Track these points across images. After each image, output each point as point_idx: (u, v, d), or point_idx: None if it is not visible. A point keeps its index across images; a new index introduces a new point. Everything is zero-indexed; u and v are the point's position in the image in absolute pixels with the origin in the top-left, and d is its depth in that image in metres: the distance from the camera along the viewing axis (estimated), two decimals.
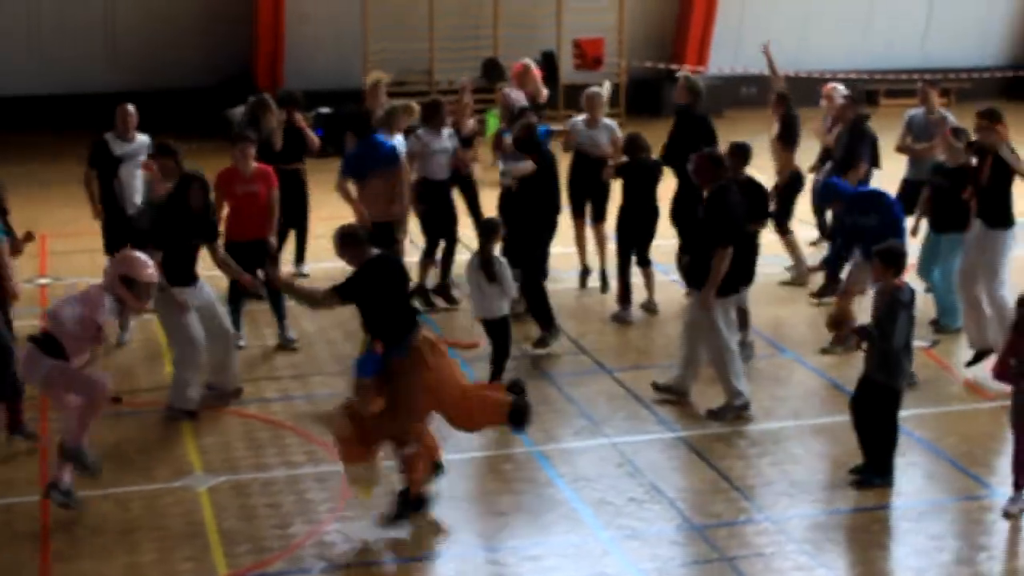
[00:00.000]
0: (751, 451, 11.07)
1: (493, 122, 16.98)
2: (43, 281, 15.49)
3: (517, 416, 9.85)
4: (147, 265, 9.96)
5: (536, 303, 13.33)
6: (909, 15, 29.02)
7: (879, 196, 13.05)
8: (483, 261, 12.01)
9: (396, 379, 9.56)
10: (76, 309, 9.75)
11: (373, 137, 13.66)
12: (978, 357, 12.51)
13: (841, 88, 16.41)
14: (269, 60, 25.23)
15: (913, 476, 10.61)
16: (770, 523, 9.77)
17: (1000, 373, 9.91)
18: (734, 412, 11.65)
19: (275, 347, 13.47)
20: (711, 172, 11.63)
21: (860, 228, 12.64)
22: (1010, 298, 11.73)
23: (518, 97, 15.30)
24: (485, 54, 25.07)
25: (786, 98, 15.60)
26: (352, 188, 13.45)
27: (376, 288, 9.64)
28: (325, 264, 15.79)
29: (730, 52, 27.01)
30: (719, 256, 11.39)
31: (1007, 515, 9.78)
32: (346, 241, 9.78)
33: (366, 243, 9.79)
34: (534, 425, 11.34)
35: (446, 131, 14.69)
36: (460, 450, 10.74)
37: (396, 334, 9.59)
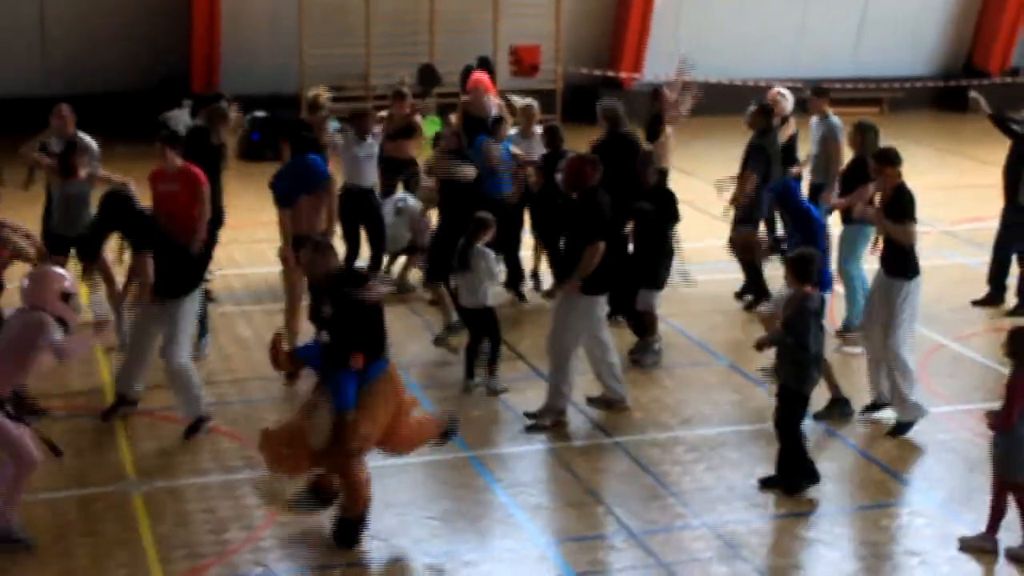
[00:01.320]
0: (687, 457, 11.12)
1: (431, 127, 16.97)
2: None
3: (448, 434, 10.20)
4: (68, 276, 9.64)
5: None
6: (842, 24, 29.24)
7: (808, 218, 12.43)
8: (460, 250, 12.23)
9: (364, 402, 9.41)
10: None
11: (303, 159, 13.41)
12: (874, 407, 11.96)
13: (786, 92, 16.44)
14: (205, 63, 25.07)
15: (844, 481, 10.72)
16: (707, 528, 9.83)
17: (1002, 424, 9.33)
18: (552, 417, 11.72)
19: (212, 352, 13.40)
20: (587, 177, 11.63)
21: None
22: (908, 355, 11.44)
23: (490, 105, 15.38)
24: (422, 59, 25.03)
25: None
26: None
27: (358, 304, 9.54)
28: (262, 269, 15.78)
29: (666, 59, 27.05)
30: (591, 251, 11.39)
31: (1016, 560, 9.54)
32: (322, 252, 9.76)
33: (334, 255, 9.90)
34: (470, 430, 11.40)
35: (371, 138, 14.82)
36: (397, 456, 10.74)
37: (378, 350, 9.54)
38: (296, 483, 9.84)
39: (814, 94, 15.96)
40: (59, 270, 9.75)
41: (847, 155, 14.22)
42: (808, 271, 10.29)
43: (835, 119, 15.57)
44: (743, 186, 14.74)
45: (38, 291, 9.39)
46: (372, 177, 14.96)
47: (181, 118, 21.94)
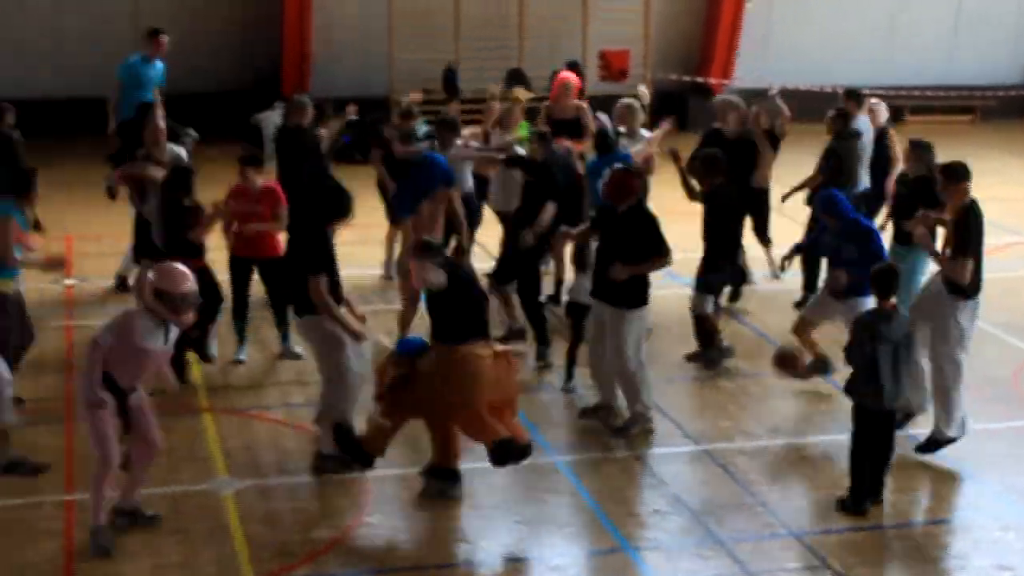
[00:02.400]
0: (775, 465, 11.07)
1: (521, 129, 16.95)
2: (69, 282, 15.51)
3: (502, 452, 10.03)
4: (185, 277, 9.36)
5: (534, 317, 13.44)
6: (936, 32, 28.96)
7: (867, 232, 12.33)
8: (578, 250, 12.42)
9: (449, 366, 9.89)
10: (107, 337, 9.23)
11: (421, 160, 13.52)
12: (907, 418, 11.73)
13: (883, 105, 16.36)
14: (296, 65, 25.27)
15: (933, 494, 10.62)
16: (794, 538, 9.77)
17: None
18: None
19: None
20: (631, 190, 11.54)
21: (837, 253, 12.31)
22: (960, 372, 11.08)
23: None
24: (510, 64, 25.08)
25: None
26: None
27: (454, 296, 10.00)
28: (352, 271, 15.82)
29: (756, 65, 26.97)
30: (656, 263, 11.38)
31: None
32: (425, 251, 10.07)
33: (440, 253, 10.22)
34: (560, 435, 11.42)
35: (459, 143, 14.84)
36: (483, 459, 10.75)
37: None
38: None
39: (846, 96, 16.04)
40: (175, 266, 9.44)
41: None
42: (888, 285, 10.11)
43: (863, 121, 15.65)
44: (807, 186, 14.91)
45: (143, 286, 9.45)
46: (467, 182, 14.83)
47: (272, 119, 22.19)
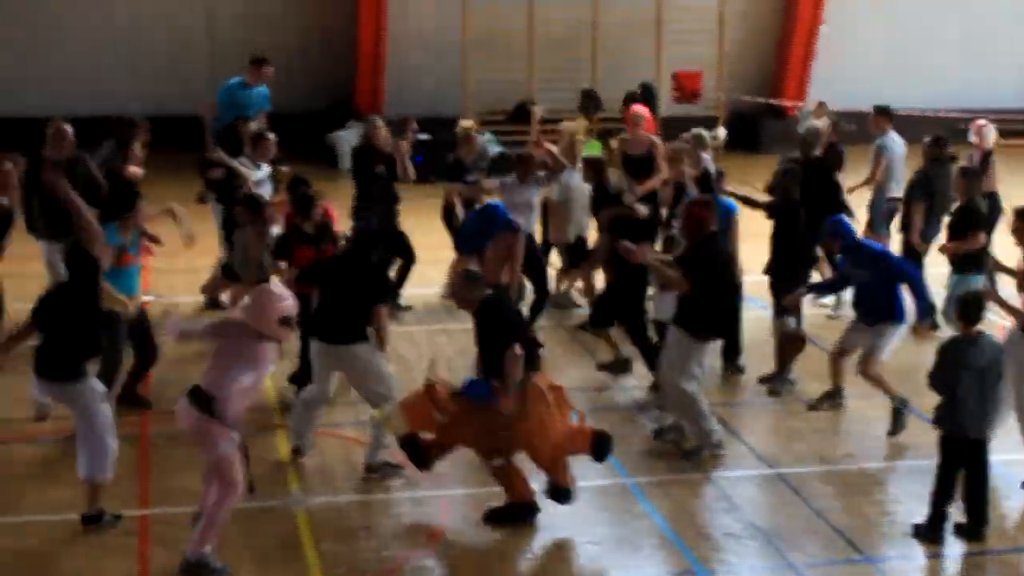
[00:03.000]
0: (850, 490, 10.96)
1: (591, 149, 16.95)
2: (146, 298, 15.63)
3: (601, 448, 10.11)
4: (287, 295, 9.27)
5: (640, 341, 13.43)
6: (1013, 53, 28.72)
7: (874, 255, 12.27)
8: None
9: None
10: (242, 369, 9.01)
11: (489, 207, 13.57)
12: None
13: (991, 127, 16.27)
14: (370, 85, 25.44)
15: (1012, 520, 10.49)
16: (869, 563, 9.68)
17: None
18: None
19: None
20: (706, 223, 11.43)
21: (855, 279, 12.31)
22: None
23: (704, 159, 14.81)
24: (583, 85, 25.12)
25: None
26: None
27: (498, 327, 10.03)
28: (424, 289, 15.90)
29: (829, 87, 26.87)
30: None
31: None
32: (468, 281, 10.20)
33: (483, 284, 10.29)
34: (631, 458, 11.38)
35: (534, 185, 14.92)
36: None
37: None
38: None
39: (876, 112, 16.28)
40: (281, 289, 9.31)
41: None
42: (972, 312, 9.95)
43: (891, 137, 15.78)
44: (914, 215, 14.81)
45: (255, 313, 9.07)
46: (531, 223, 14.86)
47: (346, 139, 22.35)
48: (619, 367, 13.49)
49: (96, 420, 9.77)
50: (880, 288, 11.93)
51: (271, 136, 14.87)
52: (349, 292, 10.79)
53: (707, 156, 14.91)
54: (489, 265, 12.80)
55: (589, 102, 21.41)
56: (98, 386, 9.92)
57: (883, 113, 16.29)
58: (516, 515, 10.15)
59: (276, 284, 9.47)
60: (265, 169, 14.61)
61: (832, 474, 11.26)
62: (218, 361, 9.09)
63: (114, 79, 25.29)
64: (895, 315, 11.94)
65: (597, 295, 14.41)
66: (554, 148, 15.46)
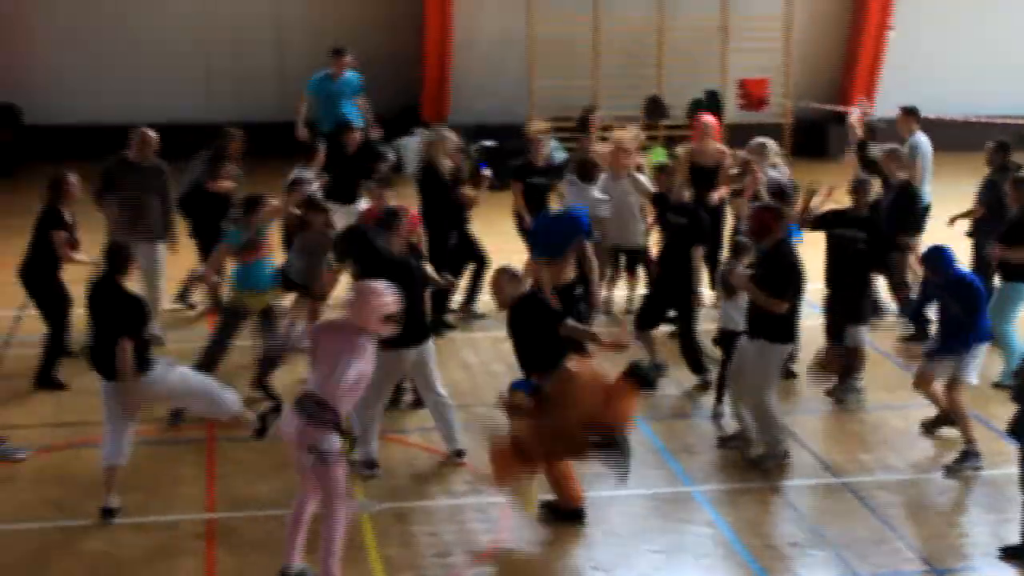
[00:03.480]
0: (916, 501, 10.88)
1: (657, 157, 16.90)
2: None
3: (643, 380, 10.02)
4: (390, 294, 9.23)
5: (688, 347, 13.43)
6: None
7: (971, 287, 11.82)
8: (723, 275, 12.48)
9: (552, 406, 9.83)
10: (355, 364, 8.88)
11: (565, 213, 13.51)
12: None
13: None
14: (436, 92, 25.50)
15: None
16: (935, 575, 9.59)
17: None
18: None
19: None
20: (772, 227, 11.38)
21: (943, 308, 12.05)
22: None
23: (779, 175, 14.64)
24: (648, 92, 25.09)
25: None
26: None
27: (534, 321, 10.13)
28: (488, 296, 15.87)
29: (899, 93, 26.65)
30: (774, 305, 11.19)
31: None
32: (506, 278, 10.26)
33: (521, 282, 10.41)
34: (696, 467, 11.34)
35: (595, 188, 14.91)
36: (620, 487, 10.75)
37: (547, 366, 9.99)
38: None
39: (904, 113, 16.16)
40: (382, 286, 9.25)
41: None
42: None
43: (920, 137, 15.65)
44: (968, 217, 14.84)
45: (361, 309, 9.06)
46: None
47: (411, 146, 22.40)
48: (658, 371, 13.40)
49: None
50: (968, 317, 11.60)
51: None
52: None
53: (780, 168, 14.85)
54: (560, 269, 12.66)
55: (655, 109, 21.45)
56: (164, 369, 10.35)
57: (911, 113, 16.14)
58: (565, 517, 10.22)
59: (378, 282, 9.36)
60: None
61: (899, 485, 11.17)
62: (320, 366, 8.96)
63: (186, 89, 25.51)
64: (980, 337, 11.70)
65: (643, 298, 14.35)
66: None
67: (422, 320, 11.25)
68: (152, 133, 14.14)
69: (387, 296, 9.09)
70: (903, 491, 11.05)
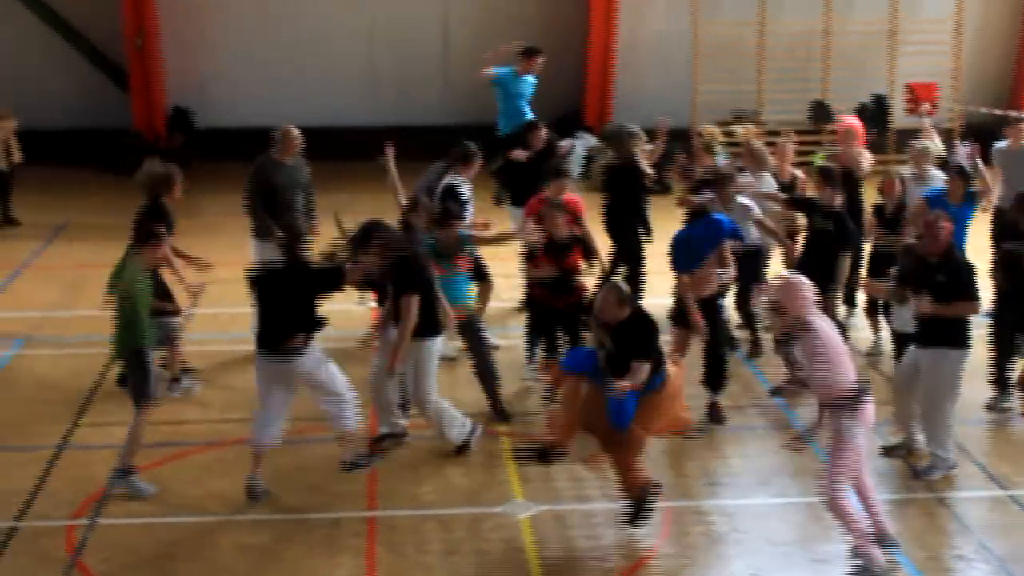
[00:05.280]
0: None
1: (818, 159, 16.69)
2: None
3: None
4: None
5: None
6: None
7: None
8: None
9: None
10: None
11: (708, 219, 13.38)
12: None
13: None
14: (599, 96, 25.53)
15: None
16: None
17: None
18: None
19: None
20: (943, 236, 11.11)
21: None
22: None
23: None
24: (813, 96, 24.85)
25: None
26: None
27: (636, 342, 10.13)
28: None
29: None
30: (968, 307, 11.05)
31: None
32: (617, 299, 10.18)
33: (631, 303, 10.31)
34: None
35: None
36: (781, 495, 10.64)
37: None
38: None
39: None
40: (802, 279, 9.46)
41: None
42: None
43: None
44: None
45: (790, 298, 9.29)
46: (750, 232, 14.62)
47: (577, 149, 22.45)
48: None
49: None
50: None
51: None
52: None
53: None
54: (702, 277, 12.50)
55: (820, 113, 21.22)
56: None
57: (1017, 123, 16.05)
58: (646, 508, 10.13)
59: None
60: None
61: None
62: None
63: (353, 93, 25.91)
64: None
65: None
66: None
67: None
68: (295, 131, 14.26)
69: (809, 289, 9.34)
70: None
